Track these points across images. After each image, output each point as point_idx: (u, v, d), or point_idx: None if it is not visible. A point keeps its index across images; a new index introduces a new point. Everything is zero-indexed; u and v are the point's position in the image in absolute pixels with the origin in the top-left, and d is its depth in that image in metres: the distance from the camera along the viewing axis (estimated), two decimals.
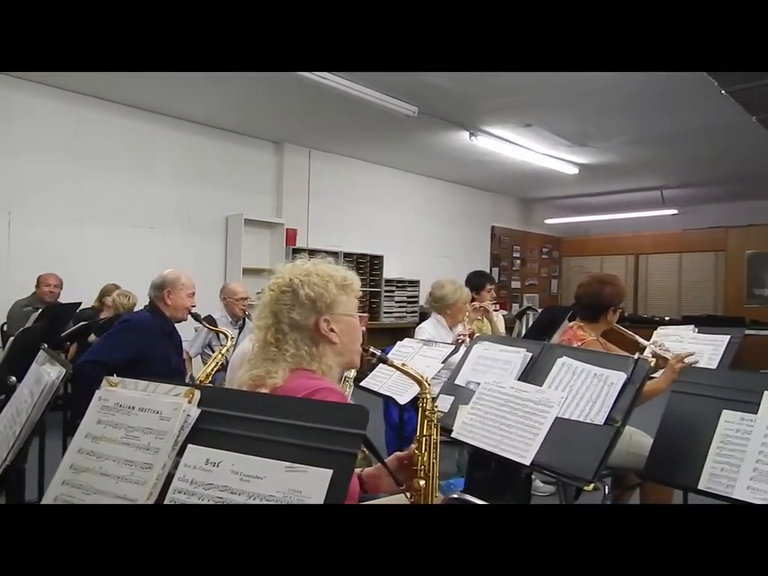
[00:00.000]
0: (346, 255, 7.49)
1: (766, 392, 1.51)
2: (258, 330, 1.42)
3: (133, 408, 1.04)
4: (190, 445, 0.98)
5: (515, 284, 10.99)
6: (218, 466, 0.94)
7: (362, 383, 2.88)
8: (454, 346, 2.80)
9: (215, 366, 3.20)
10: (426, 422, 1.51)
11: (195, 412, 1.01)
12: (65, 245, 5.58)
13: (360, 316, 1.52)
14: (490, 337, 2.65)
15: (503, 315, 7.74)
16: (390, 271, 8.23)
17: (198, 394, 1.03)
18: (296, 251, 6.84)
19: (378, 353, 1.52)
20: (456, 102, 5.62)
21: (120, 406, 1.05)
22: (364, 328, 1.63)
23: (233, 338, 3.44)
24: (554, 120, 6.13)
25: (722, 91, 4.16)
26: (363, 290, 7.57)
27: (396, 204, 8.63)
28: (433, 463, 1.48)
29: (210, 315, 4.15)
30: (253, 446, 0.93)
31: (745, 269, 9.94)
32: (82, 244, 5.71)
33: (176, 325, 3.11)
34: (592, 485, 1.54)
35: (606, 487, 2.63)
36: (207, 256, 6.69)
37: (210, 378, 3.19)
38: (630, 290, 11.28)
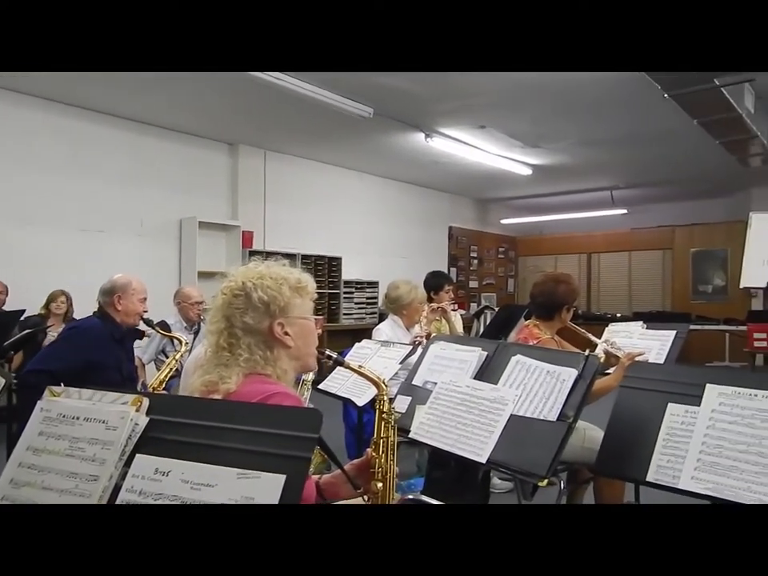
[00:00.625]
0: (304, 257, 7.44)
1: (708, 385, 1.56)
2: (211, 335, 1.40)
3: (77, 418, 1.01)
4: (138, 454, 0.95)
5: (473, 283, 11.12)
6: (167, 475, 0.92)
7: (320, 386, 2.87)
8: (411, 347, 2.82)
9: (169, 372, 3.14)
10: (383, 423, 1.51)
11: (143, 421, 0.99)
12: (10, 249, 5.38)
13: (315, 318, 1.51)
14: (447, 336, 2.67)
15: (461, 315, 7.83)
16: (348, 273, 8.22)
17: (146, 402, 1.01)
18: (253, 254, 6.79)
19: (335, 355, 1.51)
20: (411, 103, 5.66)
21: (63, 416, 1.02)
22: (320, 330, 1.62)
23: (187, 343, 3.37)
24: (507, 122, 6.23)
25: (665, 95, 4.30)
26: (322, 292, 7.53)
27: (354, 205, 8.63)
28: (390, 465, 1.48)
29: (163, 320, 4.07)
30: (203, 454, 0.92)
31: (690, 266, 10.29)
32: (28, 248, 5.52)
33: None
34: (546, 480, 1.57)
35: (562, 482, 2.69)
36: (161, 260, 6.55)
37: (163, 385, 3.12)
38: (583, 288, 11.55)
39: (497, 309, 8.43)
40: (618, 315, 9.74)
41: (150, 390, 3.09)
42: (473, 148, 7.13)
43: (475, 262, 11.16)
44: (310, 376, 2.85)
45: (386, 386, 1.54)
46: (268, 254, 5.97)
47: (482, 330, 7.43)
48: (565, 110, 5.84)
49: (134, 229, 6.34)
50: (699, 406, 1.56)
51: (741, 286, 4.49)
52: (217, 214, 6.99)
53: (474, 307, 10.42)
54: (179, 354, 3.24)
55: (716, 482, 1.44)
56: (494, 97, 5.42)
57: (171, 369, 3.17)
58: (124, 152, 6.23)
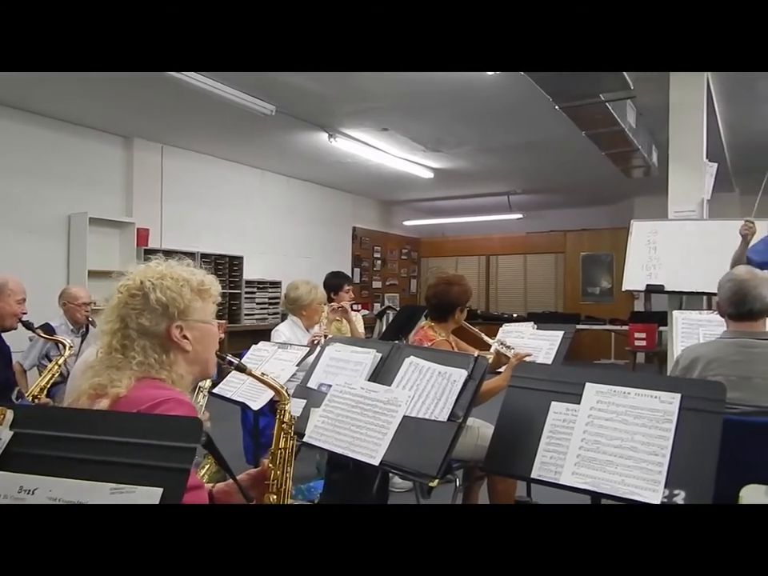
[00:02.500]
0: (204, 256, 7.21)
1: (587, 384, 1.65)
2: (104, 335, 1.31)
3: None
4: (0, 472, 0.88)
5: (376, 284, 11.23)
6: (33, 493, 0.86)
7: (215, 390, 2.78)
8: (308, 348, 2.79)
9: (51, 379, 2.95)
10: (282, 434, 1.48)
11: (7, 435, 0.92)
12: None
13: (218, 323, 1.45)
14: (342, 338, 2.67)
15: (364, 315, 7.87)
16: (250, 272, 8.05)
17: (9, 414, 0.94)
18: (149, 252, 6.48)
19: (236, 361, 1.46)
20: (315, 102, 5.62)
21: None
22: (222, 335, 1.56)
23: (72, 346, 3.18)
24: (409, 125, 6.34)
25: (556, 107, 4.54)
26: (223, 292, 7.35)
27: (256, 204, 8.46)
28: (286, 477, 1.46)
29: (47, 323, 3.82)
30: (74, 469, 0.87)
31: (580, 269, 10.93)
32: None
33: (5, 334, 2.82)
34: (437, 480, 1.60)
35: (458, 480, 2.76)
36: (47, 258, 6.12)
37: (45, 392, 2.93)
38: (482, 289, 11.99)
39: (399, 309, 8.57)
40: (515, 315, 10.17)
41: (30, 398, 2.89)
42: (376, 150, 7.20)
43: (379, 262, 11.28)
44: (207, 383, 2.77)
45: (288, 395, 1.51)
46: (165, 253, 5.67)
47: (384, 330, 7.51)
48: (464, 117, 6.01)
49: (18, 224, 5.88)
50: (579, 404, 1.65)
51: (623, 289, 4.80)
52: (109, 210, 6.61)
53: (377, 307, 10.52)
54: (63, 358, 3.06)
55: (594, 476, 1.53)
56: (396, 100, 5.50)
57: (54, 374, 2.99)
58: (7, 142, 5.77)
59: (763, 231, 4.06)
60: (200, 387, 2.72)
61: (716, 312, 2.36)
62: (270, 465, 1.46)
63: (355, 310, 5.33)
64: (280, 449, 1.46)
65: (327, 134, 6.55)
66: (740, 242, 3.59)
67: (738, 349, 2.10)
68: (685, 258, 4.23)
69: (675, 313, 2.85)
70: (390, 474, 2.95)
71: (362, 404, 1.83)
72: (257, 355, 2.92)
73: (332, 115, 6.06)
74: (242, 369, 1.46)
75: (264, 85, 5.03)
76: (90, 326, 4.00)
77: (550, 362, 2.90)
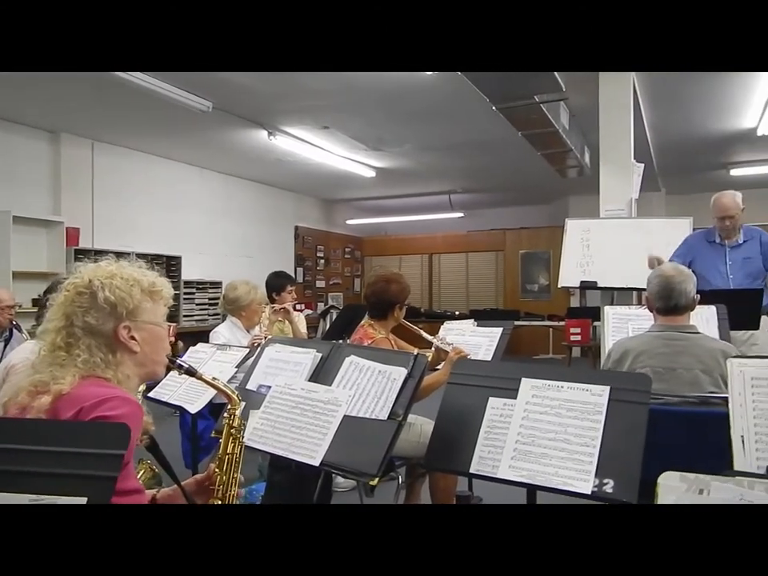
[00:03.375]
0: (139, 256, 6.81)
1: (523, 378, 1.69)
2: (47, 333, 1.29)
3: None
4: None
5: (320, 283, 11.17)
6: None
7: (151, 393, 2.70)
8: (248, 349, 2.75)
9: None
10: (230, 439, 1.47)
11: None
12: None
13: (168, 325, 1.42)
14: (282, 338, 2.64)
15: (308, 315, 7.81)
16: (189, 273, 7.86)
17: None
18: (80, 252, 6.24)
19: (186, 365, 1.44)
20: (253, 100, 5.54)
21: None
22: (173, 338, 1.52)
23: None
24: (350, 124, 6.33)
25: (493, 107, 4.63)
26: None
27: (194, 202, 8.26)
28: (232, 483, 1.45)
29: None
30: None
31: (519, 267, 11.18)
32: None
33: None
34: (377, 479, 1.60)
35: (401, 477, 2.78)
36: None
37: None
38: (426, 287, 12.11)
39: (342, 308, 8.55)
40: (457, 313, 10.32)
41: None
42: (317, 148, 7.16)
43: (322, 261, 11.22)
44: (142, 386, 2.68)
45: (239, 399, 1.49)
46: (97, 253, 5.53)
47: (327, 329, 7.47)
48: (404, 116, 6.05)
49: None
50: (516, 399, 1.68)
51: (559, 286, 4.94)
52: (35, 209, 6.31)
53: (321, 307, 10.47)
54: None
55: (530, 469, 1.56)
56: (336, 98, 5.47)
57: None
58: None
59: (685, 230, 4.27)
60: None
61: (645, 307, 2.45)
62: (217, 470, 1.44)
63: (298, 310, 5.28)
64: (228, 454, 1.45)
65: (267, 132, 6.46)
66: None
67: (665, 342, 2.19)
68: (616, 255, 4.39)
69: (606, 308, 2.95)
70: (333, 474, 2.94)
71: (302, 405, 1.81)
72: (195, 357, 2.85)
73: (271, 113, 5.98)
74: (192, 373, 1.44)
75: (200, 81, 4.92)
76: (15, 330, 3.82)
77: (489, 358, 2.96)
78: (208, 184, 8.52)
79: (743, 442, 1.47)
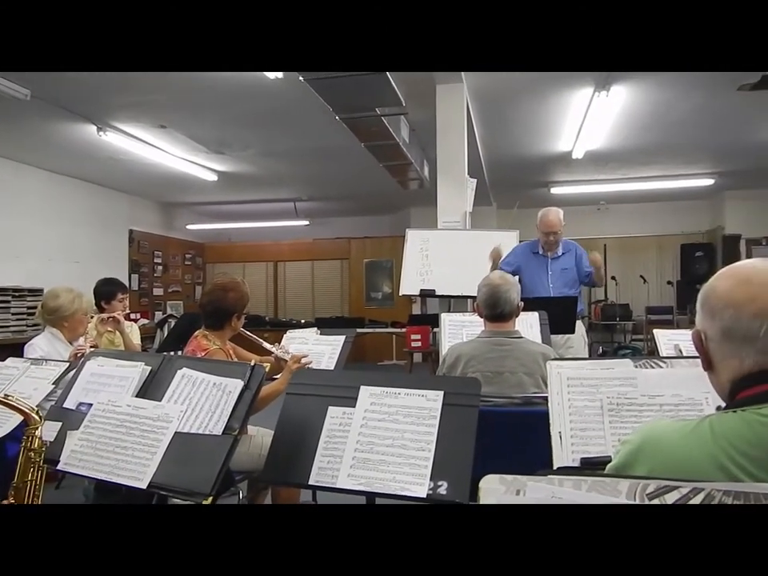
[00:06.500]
0: None
1: (361, 386, 1.70)
2: None
3: None
4: None
5: (157, 291, 10.54)
6: None
7: None
8: (68, 363, 2.49)
9: None
10: (29, 465, 1.29)
11: None
12: None
13: None
14: (106, 351, 2.42)
15: (144, 324, 7.31)
16: (5, 279, 7.06)
17: None
18: None
19: None
20: (79, 91, 5.07)
21: None
22: None
23: None
24: (189, 124, 6.06)
25: (336, 117, 4.67)
26: None
27: (10, 200, 7.38)
28: None
29: None
30: None
31: (364, 275, 11.41)
32: None
33: None
34: (210, 498, 1.52)
35: (241, 492, 2.68)
36: None
37: None
38: (271, 295, 11.92)
39: (179, 317, 8.13)
40: (303, 321, 10.27)
41: None
42: (153, 148, 6.76)
43: (160, 268, 10.61)
44: None
45: (39, 417, 1.32)
46: None
47: (163, 340, 7.06)
48: (247, 120, 5.91)
49: None
50: (355, 407, 1.69)
51: (400, 294, 5.11)
52: None
53: (158, 316, 9.87)
54: None
55: (367, 476, 1.57)
56: (173, 96, 5.20)
57: None
58: None
59: (512, 242, 4.62)
60: None
61: (476, 313, 2.60)
62: (14, 501, 1.27)
63: (133, 320, 4.91)
64: (28, 481, 1.28)
65: (96, 127, 5.97)
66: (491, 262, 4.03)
67: (492, 347, 2.34)
68: (452, 265, 4.64)
69: (443, 315, 3.09)
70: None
71: (128, 422, 1.67)
72: (3, 374, 2.52)
73: (101, 107, 5.54)
74: None
75: None
76: None
77: (333, 366, 2.96)
78: (26, 181, 7.67)
79: (561, 437, 1.60)
